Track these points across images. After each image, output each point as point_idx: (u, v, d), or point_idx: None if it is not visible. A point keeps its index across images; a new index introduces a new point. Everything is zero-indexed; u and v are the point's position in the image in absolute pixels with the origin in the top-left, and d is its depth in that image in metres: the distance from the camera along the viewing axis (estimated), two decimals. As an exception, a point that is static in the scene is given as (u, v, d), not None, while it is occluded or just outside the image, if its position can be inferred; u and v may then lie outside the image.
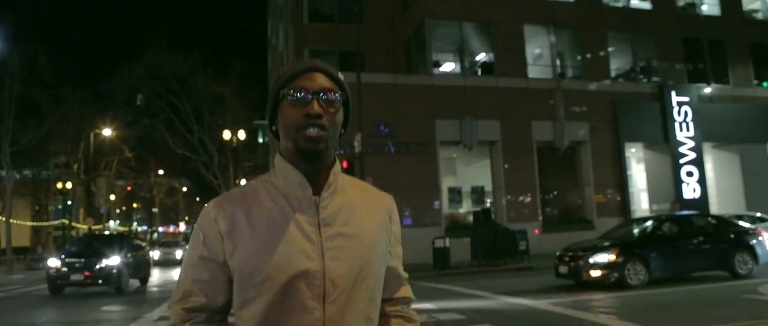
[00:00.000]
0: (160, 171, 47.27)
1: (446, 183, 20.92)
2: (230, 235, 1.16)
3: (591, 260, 9.49)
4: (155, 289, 15.39)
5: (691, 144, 22.09)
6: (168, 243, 36.68)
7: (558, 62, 22.52)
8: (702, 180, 22.19)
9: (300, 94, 1.15)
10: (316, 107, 1.14)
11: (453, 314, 8.14)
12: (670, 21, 23.42)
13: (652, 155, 22.97)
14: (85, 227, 42.41)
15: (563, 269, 10.06)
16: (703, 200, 21.96)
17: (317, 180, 1.19)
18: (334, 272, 1.14)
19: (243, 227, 1.16)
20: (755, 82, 24.50)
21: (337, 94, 1.18)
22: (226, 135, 24.58)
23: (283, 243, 1.14)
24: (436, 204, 19.97)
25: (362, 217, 1.22)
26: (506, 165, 19.72)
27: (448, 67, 21.64)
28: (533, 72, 21.32)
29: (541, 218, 20.18)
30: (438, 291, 10.99)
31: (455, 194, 20.62)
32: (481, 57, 21.57)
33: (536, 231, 19.48)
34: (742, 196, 22.82)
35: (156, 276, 20.44)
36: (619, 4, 23.21)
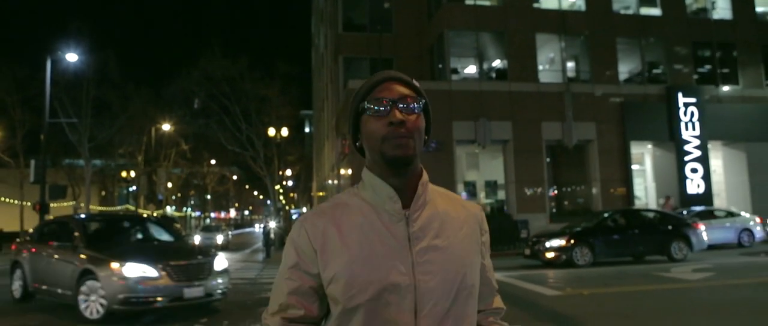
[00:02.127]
0: (212, 162, 51.63)
1: (466, 177, 23.73)
2: (323, 250, 1.18)
3: (547, 244, 12.15)
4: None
5: (697, 142, 23.91)
6: (210, 227, 36.53)
7: (570, 66, 24.76)
8: (706, 177, 24.00)
9: (380, 104, 1.18)
10: (397, 115, 1.17)
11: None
12: (680, 25, 25.16)
13: (658, 152, 24.91)
14: (147, 212, 47.25)
15: (527, 251, 12.77)
16: (706, 195, 23.80)
17: (406, 193, 1.21)
18: (425, 286, 1.15)
19: (335, 241, 1.18)
20: (766, 83, 25.93)
21: (416, 101, 1.21)
22: (271, 132, 28.01)
23: (374, 257, 1.15)
24: (464, 195, 22.92)
25: (453, 229, 1.23)
26: (517, 162, 22.24)
27: (466, 72, 24.20)
28: (544, 77, 23.66)
29: (548, 210, 22.62)
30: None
31: (470, 187, 23.33)
32: (496, 63, 24.05)
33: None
34: (748, 192, 24.53)
35: None
36: (630, 11, 25.12)
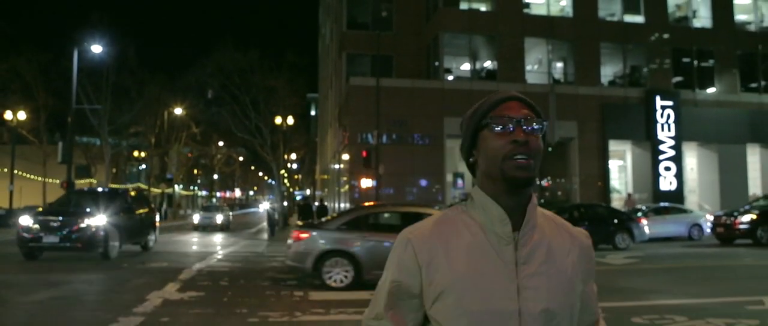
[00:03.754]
0: (220, 143, 54.16)
1: (458, 169, 26.09)
2: (428, 267, 1.18)
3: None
4: (154, 264, 12.78)
5: (672, 143, 26.10)
6: (209, 207, 35.40)
7: (556, 68, 26.93)
8: (679, 175, 26.24)
9: (505, 122, 1.18)
10: (521, 134, 1.16)
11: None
12: (662, 32, 27.22)
13: (637, 151, 27.14)
14: (159, 191, 49.94)
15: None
16: (678, 192, 26.06)
17: (516, 215, 1.19)
18: (529, 312, 1.14)
19: (441, 260, 1.18)
20: (741, 89, 28.01)
21: (539, 123, 1.20)
22: (278, 121, 30.41)
23: (481, 280, 1.15)
24: (460, 183, 25.48)
25: (560, 256, 1.22)
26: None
27: (458, 72, 26.42)
28: (531, 78, 25.87)
29: (530, 201, 24.94)
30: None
31: (459, 178, 25.69)
32: (487, 64, 26.27)
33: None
34: (718, 190, 26.77)
35: (174, 240, 21.00)
36: (614, 18, 27.19)
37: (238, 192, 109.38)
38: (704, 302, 7.99)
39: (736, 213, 16.98)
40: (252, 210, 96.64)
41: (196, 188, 72.98)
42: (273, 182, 48.32)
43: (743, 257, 14.26)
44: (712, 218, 18.53)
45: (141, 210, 15.43)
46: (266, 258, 14.63)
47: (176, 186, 58.74)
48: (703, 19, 28.27)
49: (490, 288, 1.15)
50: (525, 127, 1.17)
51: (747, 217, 16.41)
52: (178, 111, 38.19)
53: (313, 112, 79.61)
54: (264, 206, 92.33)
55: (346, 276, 9.23)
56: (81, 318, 7.32)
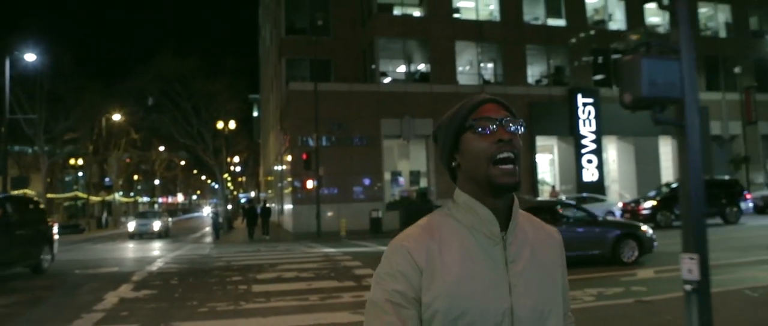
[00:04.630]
0: (161, 148, 53.83)
1: (396, 167, 27.60)
2: (427, 270, 1.19)
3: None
4: (104, 270, 12.97)
5: (593, 137, 28.48)
6: (145, 213, 32.77)
7: (486, 70, 28.85)
8: (600, 166, 28.66)
9: (487, 123, 1.20)
10: (505, 133, 1.19)
11: (344, 254, 14.79)
12: (582, 35, 29.58)
13: (562, 145, 29.41)
14: (98, 199, 49.31)
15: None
16: (599, 182, 28.47)
17: (500, 216, 1.22)
18: (521, 309, 1.19)
19: (437, 263, 1.19)
20: (654, 85, 30.73)
21: (518, 123, 1.23)
22: (220, 125, 31.07)
23: (474, 280, 1.18)
24: (401, 180, 27.06)
25: (542, 253, 1.28)
26: (436, 155, 26.19)
27: (393, 75, 27.90)
28: (463, 79, 27.64)
29: (464, 196, 26.74)
30: (351, 245, 17.70)
31: (397, 177, 27.23)
32: (420, 67, 27.87)
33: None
34: (635, 178, 29.37)
35: (88, 257, 17.08)
36: (539, 22, 29.34)
37: (180, 197, 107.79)
38: (584, 278, 9.66)
39: (640, 200, 19.15)
40: (196, 215, 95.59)
41: (135, 195, 71.86)
42: (216, 186, 48.59)
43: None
44: (621, 205, 20.71)
45: (29, 222, 12.61)
46: (213, 259, 15.61)
47: (116, 194, 57.93)
48: (618, 21, 30.85)
49: (483, 287, 1.18)
50: (506, 127, 1.21)
51: (649, 204, 18.62)
52: (117, 117, 38.10)
53: (255, 113, 79.64)
54: (207, 210, 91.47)
55: None
56: (47, 316, 8.28)
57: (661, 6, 4.40)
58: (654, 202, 18.71)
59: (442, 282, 1.18)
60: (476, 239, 1.22)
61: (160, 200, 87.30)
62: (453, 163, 1.28)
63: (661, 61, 4.29)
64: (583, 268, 10.32)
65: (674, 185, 22.19)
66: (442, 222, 1.26)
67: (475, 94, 1.29)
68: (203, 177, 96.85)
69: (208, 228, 35.20)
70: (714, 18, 33.16)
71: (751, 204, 21.00)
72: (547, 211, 11.62)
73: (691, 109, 4.38)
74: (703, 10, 32.88)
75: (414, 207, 23.28)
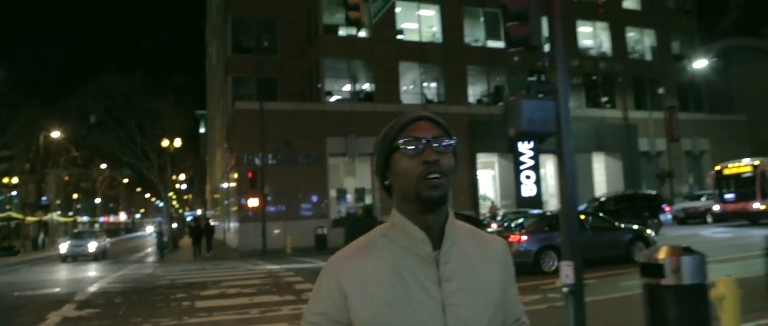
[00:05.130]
0: (103, 166, 52.61)
1: (342, 184, 28.25)
2: (353, 294, 1.20)
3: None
4: (44, 291, 13.63)
5: (531, 153, 29.90)
6: (81, 234, 30.24)
7: (429, 89, 30.01)
8: (538, 182, 30.12)
9: (414, 143, 1.22)
10: (433, 154, 1.20)
11: (287, 271, 15.31)
12: (520, 56, 31.12)
13: (503, 162, 30.80)
14: (35, 219, 47.70)
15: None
16: (537, 197, 29.87)
17: (435, 234, 1.24)
18: None
19: (366, 285, 1.20)
20: (587, 105, 32.68)
21: (448, 140, 1.24)
22: (165, 143, 30.96)
23: (405, 301, 1.19)
24: (348, 197, 27.69)
25: (480, 269, 1.27)
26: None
27: (339, 94, 28.67)
28: (406, 98, 28.67)
29: (409, 212, 27.66)
30: (295, 261, 18.23)
31: (341, 194, 27.90)
32: (365, 87, 28.76)
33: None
34: (571, 194, 30.98)
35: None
36: (479, 44, 30.78)
37: (123, 216, 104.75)
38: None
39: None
40: (139, 234, 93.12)
41: (75, 214, 69.64)
42: (161, 204, 47.90)
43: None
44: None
45: None
46: (157, 278, 15.82)
47: (53, 213, 56.11)
48: (553, 44, 32.62)
49: (415, 309, 1.18)
50: (435, 146, 1.21)
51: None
52: (57, 134, 37.27)
53: (202, 130, 78.76)
54: (150, 229, 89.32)
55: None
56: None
57: (541, 56, 5.29)
58: (582, 216, 19.99)
59: (371, 306, 1.19)
60: (410, 260, 1.23)
61: (102, 219, 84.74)
62: (386, 182, 1.31)
63: (539, 101, 5.18)
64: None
65: (602, 199, 23.77)
66: (378, 242, 1.27)
67: (410, 110, 1.35)
68: (147, 195, 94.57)
69: (151, 248, 34.76)
70: (640, 42, 35.50)
71: (670, 216, 22.68)
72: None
73: (567, 140, 5.28)
74: (631, 34, 35.17)
75: (359, 224, 23.96)
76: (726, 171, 23.85)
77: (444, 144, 1.23)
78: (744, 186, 22.97)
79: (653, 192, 23.84)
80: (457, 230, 1.29)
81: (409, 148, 1.22)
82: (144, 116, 30.26)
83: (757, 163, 22.78)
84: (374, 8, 12.02)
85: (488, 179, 32.13)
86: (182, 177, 48.54)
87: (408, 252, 1.24)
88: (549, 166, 32.57)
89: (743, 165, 23.30)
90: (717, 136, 35.75)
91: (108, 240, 32.02)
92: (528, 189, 29.84)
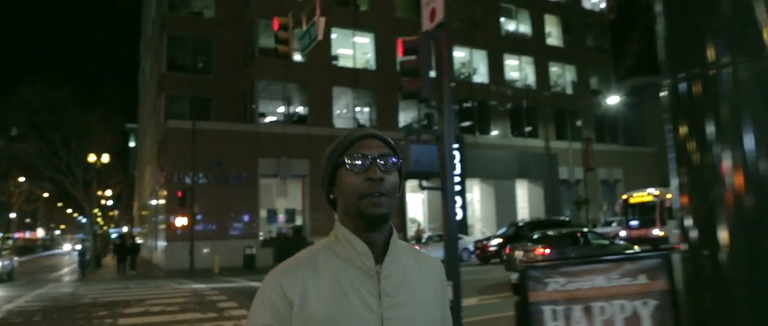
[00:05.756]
0: (22, 179, 50.47)
1: (274, 205, 28.70)
2: (297, 305, 1.22)
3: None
4: None
5: (458, 179, 31.43)
6: None
7: (360, 114, 31.10)
8: (464, 206, 31.61)
9: (360, 160, 1.27)
10: (377, 171, 1.26)
11: (213, 290, 15.75)
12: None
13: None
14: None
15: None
16: (464, 221, 31.32)
17: (377, 248, 1.28)
18: None
19: (309, 296, 1.23)
20: (512, 134, 34.69)
21: (393, 159, 1.30)
22: (92, 158, 30.38)
23: (345, 314, 1.22)
24: (281, 217, 28.09)
25: (420, 285, 1.31)
26: (312, 194, 27.67)
27: (273, 116, 29.27)
28: (339, 122, 29.61)
29: (339, 233, 28.43)
30: (222, 281, 18.61)
31: (272, 214, 28.38)
32: (299, 110, 29.53)
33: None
34: (495, 218, 32.69)
35: None
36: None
37: (41, 232, 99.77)
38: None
39: (490, 238, 21.84)
40: (57, 251, 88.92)
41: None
42: (85, 220, 46.46)
43: (492, 271, 18.80)
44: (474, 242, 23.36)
45: None
46: (79, 297, 15.84)
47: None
48: (482, 75, 34.59)
49: (355, 321, 1.22)
50: (381, 163, 1.27)
51: (495, 241, 21.34)
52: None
53: (132, 144, 76.78)
54: (70, 247, 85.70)
55: None
56: None
57: (429, 106, 6.31)
58: (500, 239, 21.47)
59: (313, 317, 1.21)
60: (351, 272, 1.26)
61: (16, 235, 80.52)
62: (331, 196, 1.35)
63: (425, 145, 6.18)
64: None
65: (520, 224, 25.36)
66: (320, 254, 1.30)
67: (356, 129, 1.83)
68: (69, 211, 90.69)
69: (70, 266, 33.76)
70: (563, 76, 38.06)
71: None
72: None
73: (450, 180, 6.28)
74: (554, 69, 37.65)
75: (289, 245, 24.50)
76: (631, 200, 26.00)
77: (390, 163, 1.30)
78: (646, 214, 25.15)
79: (566, 218, 25.63)
80: (398, 246, 1.35)
81: (354, 164, 1.27)
82: (70, 130, 29.67)
83: (657, 193, 25.01)
84: (301, 45, 12.91)
85: (418, 203, 33.39)
86: (109, 192, 47.29)
87: (350, 265, 1.27)
88: (475, 191, 34.22)
89: (646, 195, 25.52)
90: (630, 166, 38.64)
91: (16, 258, 29.49)
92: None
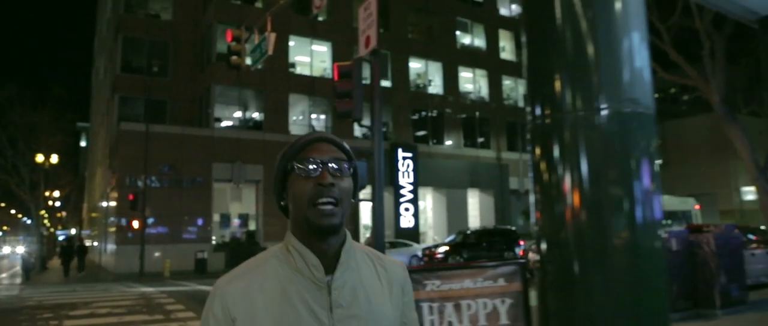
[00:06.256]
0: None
1: (227, 209, 28.88)
2: (241, 319, 1.19)
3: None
4: None
5: (410, 187, 32.24)
6: None
7: (316, 121, 31.61)
8: (416, 214, 32.45)
9: (310, 165, 1.21)
10: (328, 177, 1.20)
11: (161, 293, 16.00)
12: (405, 96, 33.70)
13: (383, 194, 32.85)
14: None
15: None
16: (415, 229, 32.16)
17: (329, 258, 1.23)
18: None
19: (253, 309, 1.19)
20: (465, 144, 35.77)
21: (345, 163, 1.25)
22: (40, 158, 29.91)
23: None
24: (236, 222, 28.26)
25: (375, 295, 1.27)
26: (266, 199, 27.99)
27: (228, 121, 29.50)
28: (294, 129, 30.04)
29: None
30: (172, 284, 18.82)
31: (225, 219, 28.58)
32: (255, 115, 29.85)
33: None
34: (446, 226, 33.61)
35: None
36: (366, 82, 32.81)
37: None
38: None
39: (437, 246, 22.65)
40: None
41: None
42: (30, 221, 45.36)
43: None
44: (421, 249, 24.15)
45: None
46: (23, 300, 15.84)
47: None
48: (437, 86, 35.58)
49: None
50: (333, 167, 1.22)
51: (443, 248, 22.15)
52: None
53: (84, 143, 75.09)
54: (10, 249, 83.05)
55: None
56: None
57: (360, 125, 6.95)
58: (447, 247, 22.30)
59: None
60: (301, 284, 1.22)
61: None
62: (282, 203, 1.30)
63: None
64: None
65: (468, 232, 26.28)
66: (269, 264, 1.26)
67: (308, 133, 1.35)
68: (13, 211, 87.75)
69: (8, 272, 33.01)
70: (515, 90, 39.43)
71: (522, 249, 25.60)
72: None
73: (379, 194, 6.93)
74: (507, 82, 38.98)
75: (241, 249, 24.79)
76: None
77: (340, 167, 1.24)
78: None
79: (512, 228, 26.70)
80: (354, 254, 1.29)
81: (304, 169, 1.22)
82: (17, 129, 29.18)
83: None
84: (253, 58, 13.40)
85: (369, 210, 34.00)
86: (57, 193, 46.29)
87: (299, 275, 1.22)
88: (429, 200, 35.10)
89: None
90: (577, 178, 40.15)
91: None
92: (406, 221, 32.05)
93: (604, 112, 2.44)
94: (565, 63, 2.67)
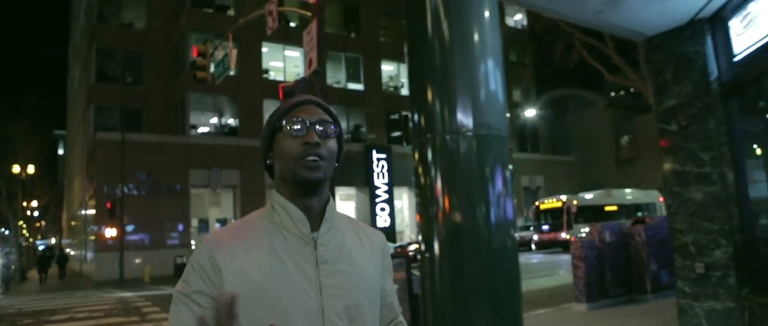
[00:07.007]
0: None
1: (207, 215, 29.49)
2: (228, 270, 1.20)
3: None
4: None
5: (385, 188, 33.12)
6: None
7: (293, 125, 32.33)
8: (392, 214, 33.34)
9: (298, 124, 1.26)
10: (314, 136, 1.25)
11: (139, 297, 16.67)
12: (378, 98, 34.55)
13: (360, 195, 33.69)
14: None
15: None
16: (391, 228, 33.05)
17: (314, 216, 1.28)
18: (332, 309, 1.23)
19: (241, 264, 1.21)
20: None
21: (331, 126, 1.30)
22: (16, 169, 30.22)
23: (281, 280, 1.21)
24: (216, 227, 28.83)
25: (359, 254, 1.33)
26: (243, 203, 28.65)
27: (204, 128, 30.12)
28: (270, 134, 30.73)
29: (269, 241, 29.55)
30: (151, 289, 19.49)
31: (204, 224, 29.23)
32: (230, 121, 30.51)
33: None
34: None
35: None
36: (340, 85, 33.74)
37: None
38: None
39: (409, 244, 23.54)
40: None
41: None
42: (8, 232, 45.41)
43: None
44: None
45: None
46: (2, 308, 16.40)
47: None
48: (408, 88, 36.42)
49: (292, 288, 1.21)
50: (319, 129, 1.27)
51: (413, 246, 23.06)
52: None
53: (61, 151, 74.84)
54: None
55: None
56: None
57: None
58: (416, 245, 23.22)
59: (247, 283, 1.19)
60: (287, 240, 1.26)
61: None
62: (268, 162, 1.35)
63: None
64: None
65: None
66: (256, 222, 1.30)
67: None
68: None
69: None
70: (487, 89, 40.42)
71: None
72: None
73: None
74: (479, 82, 39.94)
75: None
76: (542, 207, 28.37)
77: (327, 129, 1.29)
78: (556, 219, 27.55)
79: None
80: (337, 215, 1.36)
81: (292, 128, 1.27)
82: (-10, 142, 29.46)
83: (564, 199, 27.44)
84: (217, 72, 14.13)
85: (349, 211, 34.81)
86: (35, 203, 46.39)
87: (286, 231, 1.27)
88: (405, 199, 35.99)
89: (555, 202, 27.92)
90: (551, 173, 41.41)
91: None
92: (383, 221, 32.93)
93: (468, 134, 3.25)
94: (437, 89, 3.42)
